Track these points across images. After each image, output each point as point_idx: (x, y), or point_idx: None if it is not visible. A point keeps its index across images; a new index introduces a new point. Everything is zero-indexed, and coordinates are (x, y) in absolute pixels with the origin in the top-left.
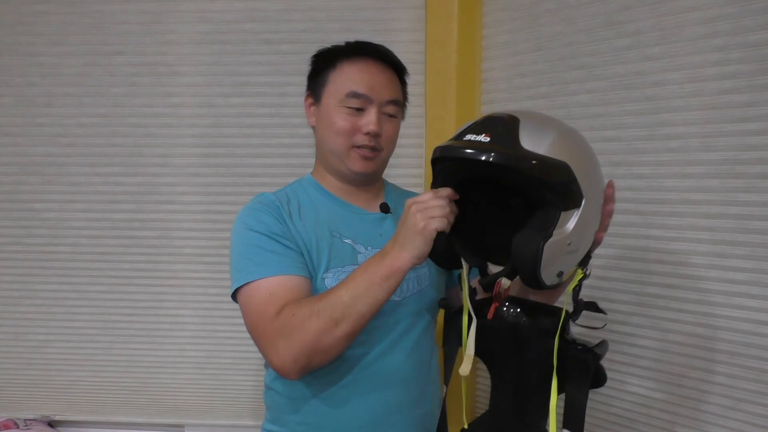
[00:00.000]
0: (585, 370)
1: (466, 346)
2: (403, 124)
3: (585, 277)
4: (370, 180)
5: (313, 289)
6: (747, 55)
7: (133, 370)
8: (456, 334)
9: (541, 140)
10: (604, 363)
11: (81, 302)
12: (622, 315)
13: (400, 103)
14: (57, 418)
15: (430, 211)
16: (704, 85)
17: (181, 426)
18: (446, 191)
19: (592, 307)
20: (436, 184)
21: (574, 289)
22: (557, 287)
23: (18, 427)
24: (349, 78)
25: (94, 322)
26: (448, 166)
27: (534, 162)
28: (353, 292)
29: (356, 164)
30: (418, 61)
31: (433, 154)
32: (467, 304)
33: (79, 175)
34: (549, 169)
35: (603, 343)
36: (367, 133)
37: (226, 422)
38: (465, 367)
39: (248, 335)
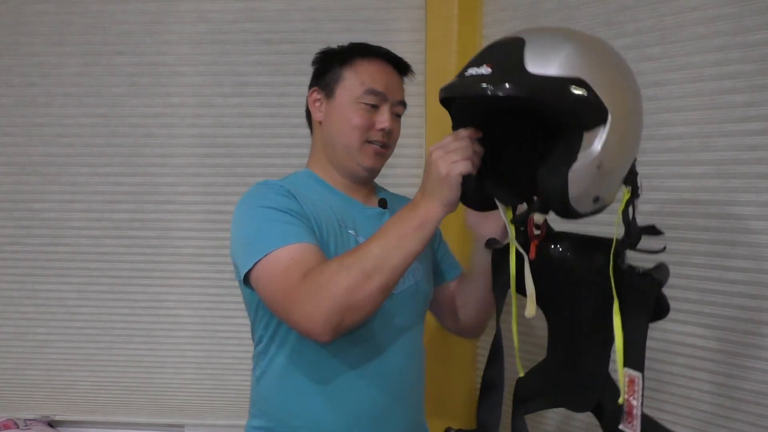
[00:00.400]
0: (644, 299)
1: (515, 288)
2: (403, 123)
3: (635, 196)
4: (371, 177)
5: None
6: (747, 55)
7: (133, 370)
8: (505, 277)
9: (550, 58)
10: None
11: (81, 302)
12: None
13: (405, 104)
14: (57, 418)
15: (452, 155)
16: (704, 85)
17: (181, 426)
18: (466, 131)
19: (649, 230)
20: (456, 127)
21: (624, 211)
22: (599, 212)
23: (18, 427)
24: (367, 75)
25: (94, 322)
26: (460, 106)
27: (538, 86)
28: (385, 245)
29: (368, 160)
30: (418, 61)
31: (439, 96)
32: (514, 243)
33: (79, 175)
34: (559, 90)
35: (661, 267)
36: (381, 129)
37: (226, 422)
38: (530, 308)
39: (248, 335)
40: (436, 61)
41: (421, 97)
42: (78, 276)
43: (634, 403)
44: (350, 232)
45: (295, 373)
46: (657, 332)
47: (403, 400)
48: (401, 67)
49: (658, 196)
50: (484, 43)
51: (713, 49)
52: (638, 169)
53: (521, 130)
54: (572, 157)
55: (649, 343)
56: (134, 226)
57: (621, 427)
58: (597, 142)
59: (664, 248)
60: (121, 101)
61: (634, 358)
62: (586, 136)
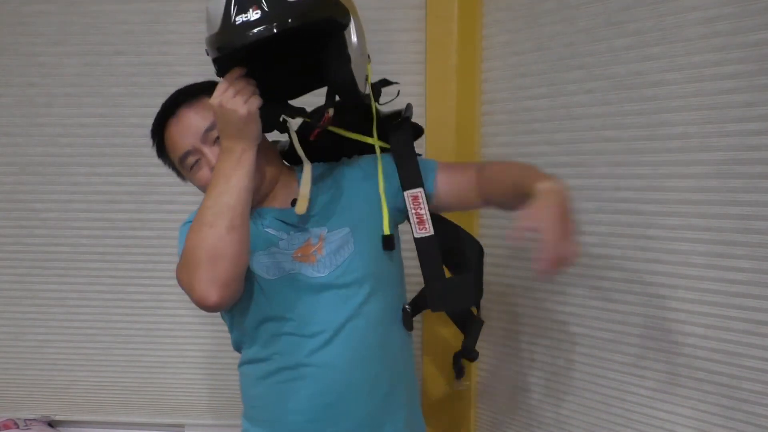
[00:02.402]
0: (403, 133)
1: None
2: None
3: (369, 61)
4: (267, 189)
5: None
6: (747, 55)
7: (133, 370)
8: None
9: None
10: (602, 363)
11: (81, 302)
12: (622, 315)
13: (213, 125)
14: (57, 418)
15: (241, 97)
16: (704, 85)
17: (181, 426)
18: (237, 72)
19: (384, 82)
20: (221, 70)
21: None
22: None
23: (18, 427)
24: (170, 145)
25: (94, 322)
26: (227, 56)
27: (306, 10)
28: (213, 193)
29: None
30: (418, 61)
31: (216, 52)
32: (301, 151)
33: (79, 175)
34: (320, 5)
35: (408, 106)
36: None
37: (226, 422)
38: (301, 206)
39: None
40: (436, 61)
41: (422, 97)
42: (78, 276)
43: (422, 212)
44: (267, 230)
45: (249, 369)
46: (657, 332)
47: (355, 396)
48: (180, 102)
49: (658, 196)
50: (484, 43)
51: (713, 49)
52: (638, 169)
53: (268, 49)
54: (346, 55)
55: (649, 343)
56: (134, 226)
57: (416, 235)
58: (353, 35)
59: (409, 106)
60: (121, 101)
61: (411, 181)
62: (346, 35)
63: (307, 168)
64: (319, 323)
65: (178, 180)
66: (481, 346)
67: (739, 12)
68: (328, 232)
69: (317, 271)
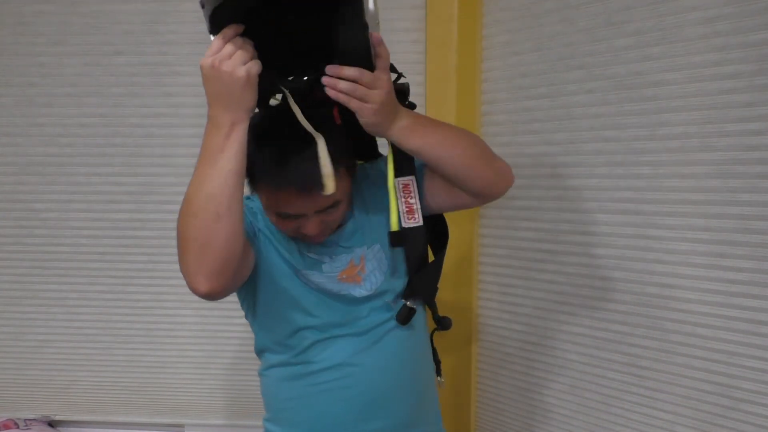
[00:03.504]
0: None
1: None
2: None
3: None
4: None
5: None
6: (747, 55)
7: (133, 370)
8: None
9: None
10: (602, 363)
11: (81, 302)
12: (622, 315)
13: (339, 202)
14: (57, 418)
15: (239, 57)
16: (704, 85)
17: (181, 426)
18: (234, 29)
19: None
20: (215, 27)
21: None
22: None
23: (18, 427)
24: (273, 200)
25: (94, 322)
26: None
27: None
28: (197, 179)
29: (307, 242)
30: (418, 61)
31: (214, 3)
32: (309, 126)
33: (79, 175)
34: None
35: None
36: (306, 235)
37: (226, 422)
38: (329, 185)
39: (249, 335)
40: (436, 61)
41: (422, 97)
42: (78, 276)
43: (413, 201)
44: (310, 254)
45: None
46: (657, 332)
47: (393, 395)
48: (312, 190)
49: (658, 196)
50: (484, 43)
51: (713, 49)
52: (638, 169)
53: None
54: (363, 21)
55: (648, 343)
56: (134, 226)
57: (404, 225)
58: (370, 3)
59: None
60: (121, 101)
61: (403, 167)
62: (363, 1)
63: (321, 142)
64: (364, 325)
65: (178, 180)
66: (481, 345)
67: (739, 12)
68: (367, 249)
69: (364, 290)
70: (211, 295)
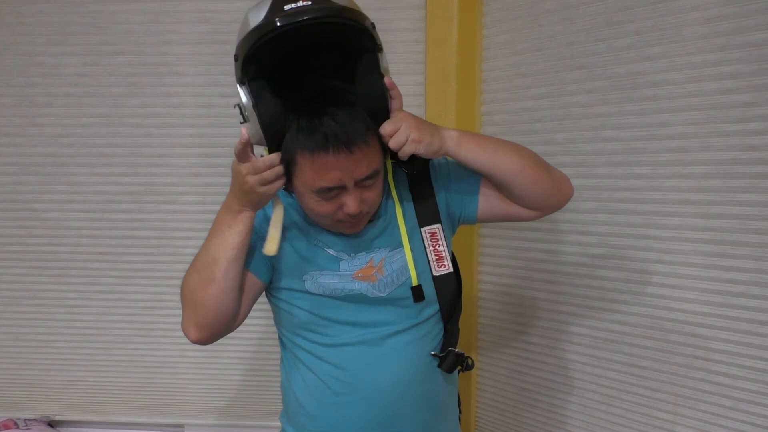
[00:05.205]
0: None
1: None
2: None
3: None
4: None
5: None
6: (747, 55)
7: (132, 370)
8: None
9: None
10: (602, 363)
11: (81, 302)
12: (622, 315)
13: (377, 171)
14: (57, 418)
15: (275, 187)
16: (704, 85)
17: (181, 426)
18: (270, 158)
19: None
20: (246, 78)
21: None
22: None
23: (18, 427)
24: (312, 175)
25: (94, 322)
26: (271, 45)
27: (350, 14)
28: (206, 243)
29: (346, 230)
30: (418, 61)
31: (249, 46)
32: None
33: (79, 175)
34: (363, 16)
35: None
36: (349, 214)
37: (226, 422)
38: (270, 247)
39: (249, 335)
40: (436, 61)
41: (421, 97)
42: (78, 276)
43: (441, 248)
44: (329, 251)
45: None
46: (657, 332)
47: (407, 412)
48: (350, 144)
49: (658, 196)
50: (484, 43)
51: (713, 49)
52: (638, 169)
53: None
54: (379, 72)
55: (649, 343)
56: (134, 226)
57: (435, 273)
58: (384, 61)
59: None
60: (121, 101)
61: (428, 217)
62: (379, 56)
63: (279, 210)
64: (381, 328)
65: (178, 180)
66: (481, 346)
67: (739, 12)
68: (390, 251)
69: (378, 291)
70: (200, 343)
